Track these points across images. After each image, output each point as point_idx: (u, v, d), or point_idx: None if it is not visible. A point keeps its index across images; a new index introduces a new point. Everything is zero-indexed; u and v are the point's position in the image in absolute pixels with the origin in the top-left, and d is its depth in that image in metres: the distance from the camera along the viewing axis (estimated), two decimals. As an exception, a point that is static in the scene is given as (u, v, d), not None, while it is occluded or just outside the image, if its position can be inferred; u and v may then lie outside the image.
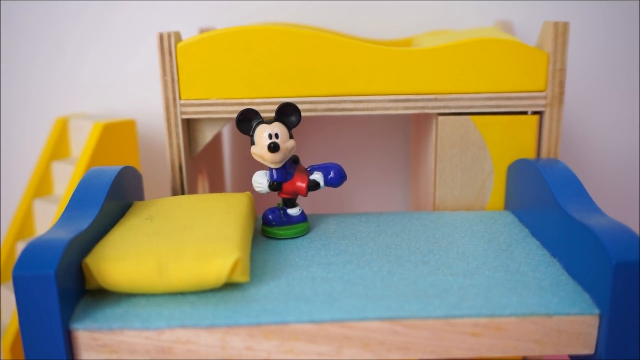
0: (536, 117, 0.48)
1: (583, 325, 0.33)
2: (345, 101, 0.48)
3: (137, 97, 0.70)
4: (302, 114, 0.44)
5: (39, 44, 0.68)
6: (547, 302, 0.34)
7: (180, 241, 0.36)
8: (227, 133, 0.71)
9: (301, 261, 0.40)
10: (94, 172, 0.43)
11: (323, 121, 0.71)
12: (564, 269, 0.38)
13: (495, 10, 0.67)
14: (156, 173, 0.70)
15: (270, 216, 0.44)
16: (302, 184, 0.43)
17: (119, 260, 0.34)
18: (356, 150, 0.71)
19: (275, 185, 0.43)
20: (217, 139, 0.65)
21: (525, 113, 0.49)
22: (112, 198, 0.41)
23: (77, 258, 0.34)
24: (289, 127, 0.43)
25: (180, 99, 0.47)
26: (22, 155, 0.71)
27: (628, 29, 0.68)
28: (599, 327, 0.33)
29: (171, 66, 0.47)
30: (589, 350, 0.34)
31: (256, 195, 0.47)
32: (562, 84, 0.47)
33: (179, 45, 0.47)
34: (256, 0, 0.67)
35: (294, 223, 0.44)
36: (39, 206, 0.63)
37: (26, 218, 0.63)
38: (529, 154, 0.49)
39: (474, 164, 0.49)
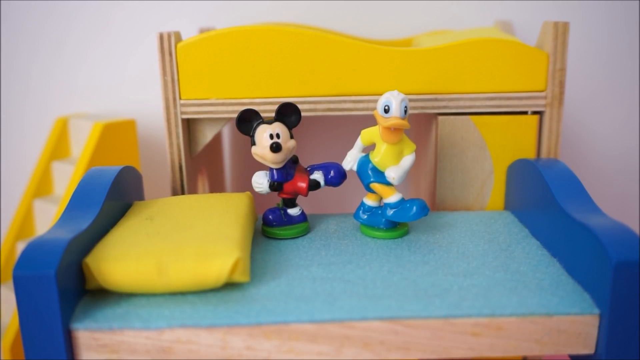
0: (536, 117, 0.48)
1: (583, 325, 0.33)
2: (345, 101, 0.48)
3: (137, 97, 0.70)
4: (302, 114, 0.44)
5: (38, 44, 0.68)
6: (547, 302, 0.34)
7: (181, 241, 0.36)
8: (227, 133, 0.71)
9: (301, 261, 0.40)
10: (94, 172, 0.43)
11: (323, 121, 0.71)
12: (564, 269, 0.38)
13: (495, 10, 0.67)
14: (156, 173, 0.70)
15: (270, 216, 0.44)
16: (303, 184, 0.43)
17: (119, 260, 0.34)
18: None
19: (276, 186, 0.43)
20: (217, 139, 0.65)
21: (525, 113, 0.49)
22: (112, 198, 0.41)
23: (77, 258, 0.34)
24: (289, 127, 0.43)
25: (180, 99, 0.48)
26: (22, 155, 0.71)
27: (628, 29, 0.68)
28: (599, 327, 0.33)
29: (171, 66, 0.47)
30: (589, 350, 0.34)
31: (256, 195, 0.47)
32: (562, 84, 0.47)
33: (179, 45, 0.47)
34: (256, 0, 0.67)
35: (294, 223, 0.44)
36: (39, 206, 0.63)
37: (26, 218, 0.63)
38: (529, 154, 0.49)
39: (474, 164, 0.49)
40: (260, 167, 0.44)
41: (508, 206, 0.49)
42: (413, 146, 0.43)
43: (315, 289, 0.36)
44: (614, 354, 0.33)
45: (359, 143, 0.44)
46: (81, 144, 0.63)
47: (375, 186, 0.43)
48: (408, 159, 0.42)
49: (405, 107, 0.41)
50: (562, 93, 0.47)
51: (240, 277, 0.35)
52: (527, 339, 0.33)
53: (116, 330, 0.33)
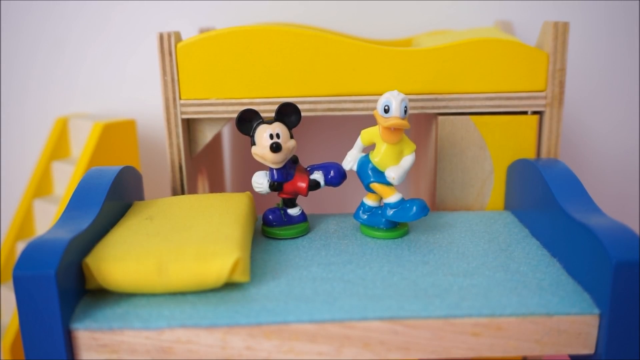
0: (536, 117, 0.48)
1: (583, 325, 0.33)
2: (345, 101, 0.48)
3: (137, 97, 0.70)
4: (302, 114, 0.44)
5: (38, 44, 0.68)
6: (547, 302, 0.34)
7: (181, 241, 0.36)
8: (227, 133, 0.71)
9: (301, 261, 0.40)
10: (94, 172, 0.43)
11: (323, 121, 0.71)
12: (564, 269, 0.38)
13: (495, 10, 0.67)
14: (156, 173, 0.70)
15: (270, 216, 0.44)
16: (303, 184, 0.43)
17: (119, 260, 0.34)
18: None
19: (276, 186, 0.43)
20: (217, 139, 0.65)
21: (525, 113, 0.49)
22: (112, 198, 0.41)
23: (77, 258, 0.34)
24: (289, 127, 0.43)
25: (180, 99, 0.48)
26: (22, 155, 0.71)
27: (629, 29, 0.68)
28: (599, 327, 0.33)
29: (171, 66, 0.47)
30: (589, 350, 0.34)
31: (256, 195, 0.47)
32: (562, 84, 0.47)
33: (179, 45, 0.47)
34: (256, 0, 0.67)
35: (294, 223, 0.44)
36: (39, 206, 0.63)
37: (26, 218, 0.63)
38: (529, 154, 0.49)
39: (474, 164, 0.49)
40: (260, 167, 0.44)
41: (508, 206, 0.49)
42: (413, 146, 0.43)
43: (315, 289, 0.36)
44: (614, 354, 0.33)
45: (359, 143, 0.44)
46: (81, 144, 0.63)
47: (375, 186, 0.43)
48: (408, 159, 0.42)
49: (405, 107, 0.41)
50: (562, 93, 0.47)
51: (240, 277, 0.35)
52: (527, 339, 0.33)
53: (116, 330, 0.33)
